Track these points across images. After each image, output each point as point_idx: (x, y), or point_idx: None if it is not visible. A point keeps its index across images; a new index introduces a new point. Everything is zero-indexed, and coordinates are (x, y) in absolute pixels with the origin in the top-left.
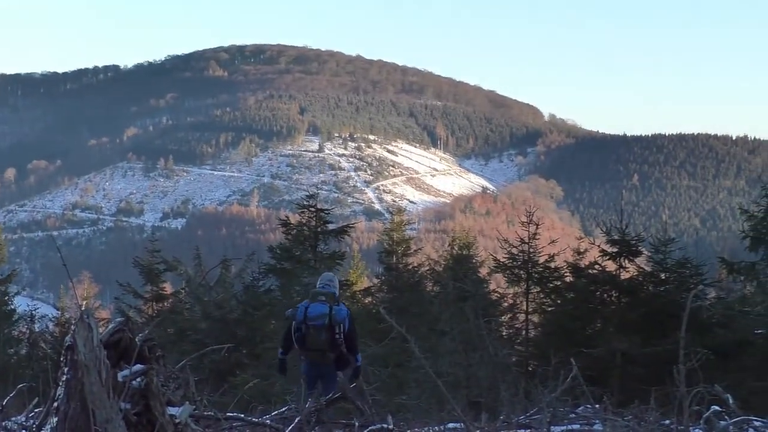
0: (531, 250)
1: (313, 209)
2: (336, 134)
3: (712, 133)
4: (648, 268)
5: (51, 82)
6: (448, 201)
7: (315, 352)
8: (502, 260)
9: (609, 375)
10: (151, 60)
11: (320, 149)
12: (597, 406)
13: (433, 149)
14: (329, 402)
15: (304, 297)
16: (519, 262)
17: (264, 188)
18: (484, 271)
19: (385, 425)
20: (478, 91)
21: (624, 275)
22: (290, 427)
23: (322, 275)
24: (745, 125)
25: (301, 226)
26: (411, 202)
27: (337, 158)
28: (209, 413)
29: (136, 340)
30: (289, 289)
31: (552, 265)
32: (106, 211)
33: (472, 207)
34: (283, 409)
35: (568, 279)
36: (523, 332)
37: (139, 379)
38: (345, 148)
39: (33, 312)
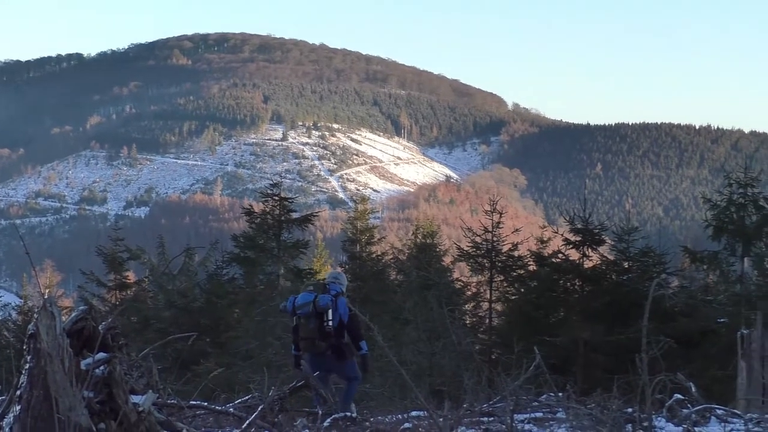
0: (494, 238)
1: (276, 198)
2: (300, 123)
3: (676, 123)
4: (611, 257)
5: (13, 70)
6: (411, 190)
7: (306, 340)
8: (465, 249)
9: (572, 363)
10: (114, 48)
11: (284, 138)
12: (560, 394)
13: (396, 138)
14: (293, 390)
15: (267, 285)
16: (483, 251)
17: (227, 177)
18: (447, 260)
19: (348, 413)
20: (441, 80)
21: (587, 264)
22: (253, 416)
23: (329, 273)
24: (709, 115)
25: (265, 214)
26: (375, 190)
27: (301, 147)
28: (172, 401)
29: (99, 328)
30: (252, 278)
31: (515, 253)
32: (69, 199)
33: (436, 196)
34: (247, 397)
35: (531, 268)
36: (487, 321)
37: (102, 368)
38: (309, 137)
39: None
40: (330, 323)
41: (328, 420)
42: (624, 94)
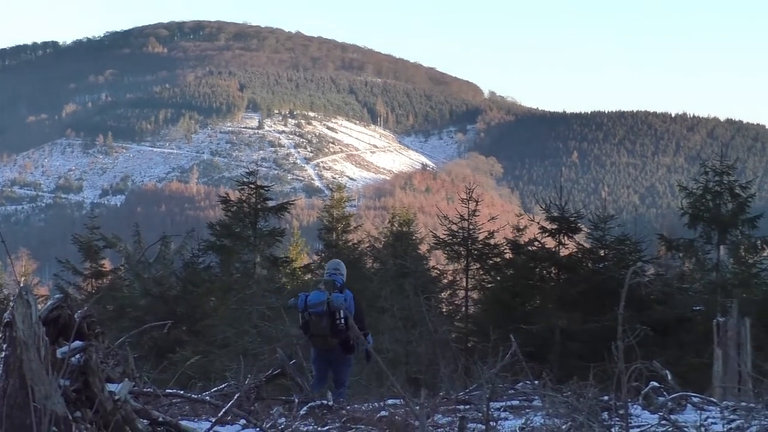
0: (471, 226)
1: (252, 186)
2: (276, 111)
3: (652, 111)
4: (587, 245)
5: None
6: (387, 178)
7: (318, 338)
8: (441, 237)
9: (548, 351)
10: (90, 36)
11: (260, 126)
12: (536, 382)
13: (373, 126)
14: (269, 378)
15: (243, 273)
16: (459, 239)
17: (203, 165)
18: (423, 248)
19: (324, 401)
20: (418, 68)
21: (563, 252)
22: (230, 404)
23: (330, 262)
24: (685, 103)
25: (241, 202)
26: (351, 179)
27: (277, 135)
28: (149, 390)
29: (75, 316)
30: (228, 266)
31: (492, 241)
32: (45, 187)
33: (412, 184)
34: (223, 385)
35: (507, 256)
36: (463, 309)
37: (78, 356)
38: (285, 125)
39: None
40: (342, 321)
41: (305, 408)
42: (600, 82)
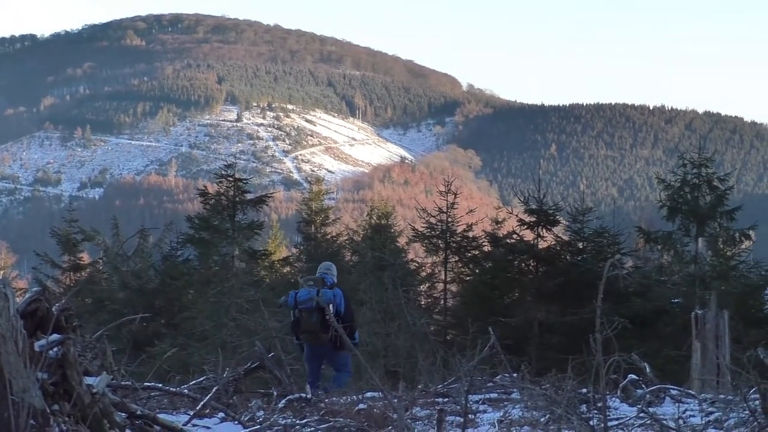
0: (449, 219)
1: (231, 179)
2: (254, 104)
3: (630, 103)
4: (566, 238)
5: None
6: (366, 171)
7: (309, 333)
8: (420, 230)
9: (527, 344)
10: (68, 29)
11: (238, 119)
12: (515, 374)
13: (351, 119)
14: (248, 371)
15: (222, 266)
16: (437, 232)
17: (182, 158)
18: (402, 241)
19: (303, 395)
20: (396, 61)
21: (542, 244)
22: (208, 396)
23: (321, 264)
24: (663, 95)
25: (220, 195)
26: (329, 171)
27: (256, 128)
28: (127, 383)
29: (53, 310)
30: (207, 259)
31: (470, 234)
32: (23, 180)
33: (391, 177)
34: (201, 378)
35: (486, 248)
36: (442, 301)
37: (56, 349)
38: (263, 118)
39: None
40: (331, 316)
41: (283, 401)
42: (578, 74)
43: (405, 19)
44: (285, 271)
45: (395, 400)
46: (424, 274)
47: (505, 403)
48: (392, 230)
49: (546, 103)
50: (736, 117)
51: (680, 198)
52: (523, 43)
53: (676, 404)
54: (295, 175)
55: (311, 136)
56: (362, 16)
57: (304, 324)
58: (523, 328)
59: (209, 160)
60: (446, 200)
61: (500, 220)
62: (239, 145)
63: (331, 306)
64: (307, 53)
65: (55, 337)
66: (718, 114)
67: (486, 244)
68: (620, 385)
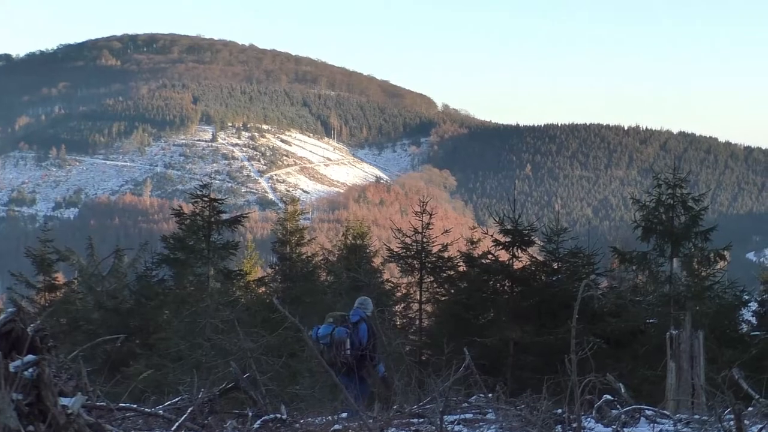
0: (424, 240)
1: (206, 199)
2: (229, 124)
3: (605, 123)
4: (540, 258)
5: None
6: (341, 191)
7: (329, 364)
8: (395, 250)
9: (502, 364)
10: (43, 49)
11: (213, 139)
12: (490, 395)
13: (326, 139)
14: (223, 391)
15: (197, 286)
16: (413, 252)
17: (157, 178)
18: (377, 261)
19: (278, 415)
20: (371, 81)
21: (517, 265)
22: (183, 417)
23: (359, 298)
24: (637, 115)
25: (195, 215)
26: (305, 191)
27: (231, 148)
28: (102, 403)
29: (28, 330)
30: (182, 279)
31: (445, 254)
32: None
33: (366, 197)
34: (176, 399)
35: (461, 268)
36: (417, 322)
37: (31, 370)
38: (238, 138)
39: None
40: (348, 351)
41: (258, 422)
42: (553, 94)
43: (380, 39)
44: (260, 291)
45: (371, 421)
46: (399, 294)
47: (481, 423)
48: (367, 250)
49: (521, 124)
50: (710, 137)
51: (655, 218)
52: (498, 63)
53: (651, 425)
54: (271, 195)
55: (286, 156)
56: (337, 36)
57: (325, 356)
58: (498, 348)
59: (184, 180)
60: (421, 220)
61: (475, 240)
62: (214, 165)
63: (348, 342)
64: (282, 73)
65: (30, 357)
66: (693, 134)
67: (461, 264)
68: (595, 405)
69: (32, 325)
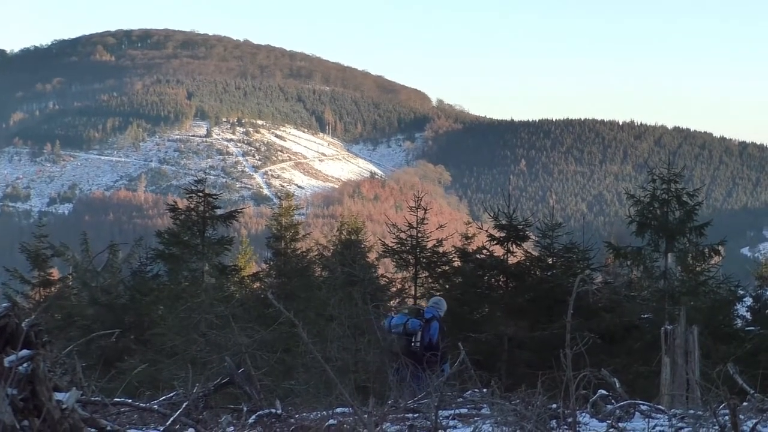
0: (419, 235)
1: (201, 194)
2: (224, 119)
3: (599, 119)
4: (535, 253)
5: None
6: (336, 186)
7: (396, 354)
8: (390, 245)
9: (497, 359)
10: (37, 45)
11: (208, 134)
12: (485, 390)
13: (321, 134)
14: (218, 386)
15: (192, 282)
16: (407, 247)
17: (151, 173)
18: (372, 256)
19: (273, 410)
20: (366, 77)
21: (511, 260)
22: (178, 412)
23: (433, 298)
24: (632, 110)
25: (189, 211)
26: (299, 187)
27: (225, 143)
28: (96, 399)
29: (23, 325)
30: (177, 275)
31: (440, 250)
32: None
33: (361, 192)
34: (171, 394)
35: (456, 264)
36: None
37: (25, 365)
38: (233, 133)
39: None
40: (417, 344)
41: (253, 417)
42: (547, 90)
43: (375, 34)
44: (255, 286)
45: (365, 416)
46: (394, 289)
47: (475, 418)
48: (362, 246)
49: (516, 119)
50: (705, 132)
51: (649, 213)
52: (493, 58)
53: (646, 419)
54: (265, 191)
55: (281, 151)
56: (332, 31)
57: (394, 345)
58: (493, 343)
59: (179, 175)
60: (416, 216)
61: (470, 235)
62: (209, 160)
63: (419, 334)
64: (277, 68)
65: (24, 352)
66: (688, 129)
67: (456, 259)
68: (590, 400)
69: (27, 320)
